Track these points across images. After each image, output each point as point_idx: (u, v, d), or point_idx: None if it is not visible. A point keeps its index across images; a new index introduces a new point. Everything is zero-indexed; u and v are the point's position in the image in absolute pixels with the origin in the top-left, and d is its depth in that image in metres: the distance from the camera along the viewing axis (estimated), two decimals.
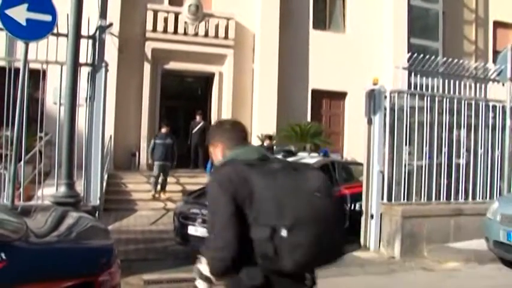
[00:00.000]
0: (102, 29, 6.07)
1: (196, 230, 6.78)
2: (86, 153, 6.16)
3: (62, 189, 5.55)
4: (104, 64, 6.06)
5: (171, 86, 15.56)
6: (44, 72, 6.15)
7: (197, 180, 11.35)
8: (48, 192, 6.01)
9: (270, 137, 12.29)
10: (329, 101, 16.02)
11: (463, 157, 8.25)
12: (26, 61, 5.28)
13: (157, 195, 11.33)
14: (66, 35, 5.44)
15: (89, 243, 3.03)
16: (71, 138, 5.48)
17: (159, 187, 11.33)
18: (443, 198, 7.95)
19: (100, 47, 6.06)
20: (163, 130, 11.72)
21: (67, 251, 2.83)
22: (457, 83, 8.24)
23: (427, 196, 7.84)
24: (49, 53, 5.93)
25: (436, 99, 7.97)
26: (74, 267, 2.68)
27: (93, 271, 2.69)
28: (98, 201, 6.11)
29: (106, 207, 10.20)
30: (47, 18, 5.25)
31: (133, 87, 13.52)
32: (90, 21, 6.03)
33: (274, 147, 12.25)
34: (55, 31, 5.56)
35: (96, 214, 6.09)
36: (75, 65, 5.37)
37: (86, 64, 6.09)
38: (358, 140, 9.16)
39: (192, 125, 14.28)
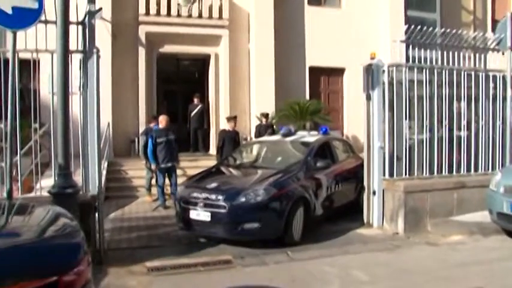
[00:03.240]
0: (91, 14, 5.91)
1: (198, 215, 6.68)
2: (82, 142, 6.07)
3: (59, 179, 5.50)
4: (95, 50, 5.92)
5: (167, 69, 15.42)
6: (35, 61, 6.03)
7: (198, 163, 11.28)
8: (48, 183, 5.95)
9: (266, 116, 12.20)
10: (327, 78, 15.87)
11: (464, 129, 8.15)
12: (15, 51, 5.16)
13: (151, 198, 10.05)
14: (55, 22, 5.32)
15: (51, 242, 2.78)
16: (66, 127, 5.41)
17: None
18: (445, 172, 7.88)
19: (90, 32, 5.91)
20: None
21: (25, 250, 2.58)
22: (456, 54, 8.09)
23: (429, 170, 7.77)
24: (40, 41, 5.81)
25: (435, 71, 7.84)
26: (33, 268, 2.46)
27: (56, 271, 2.50)
28: (97, 190, 6.04)
29: (107, 195, 10.20)
30: (34, 5, 5.12)
31: (129, 72, 13.37)
32: (79, 6, 5.87)
33: (274, 126, 12.18)
34: (43, 18, 5.43)
35: (96, 203, 6.05)
36: (66, 53, 5.27)
37: (77, 51, 5.95)
38: (358, 116, 9.05)
39: (190, 108, 14.20)
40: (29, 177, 6.82)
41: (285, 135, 8.69)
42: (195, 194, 6.85)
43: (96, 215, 6.08)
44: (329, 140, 8.82)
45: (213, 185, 7.00)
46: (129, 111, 13.30)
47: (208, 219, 6.56)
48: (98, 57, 5.99)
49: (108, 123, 11.87)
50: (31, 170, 6.61)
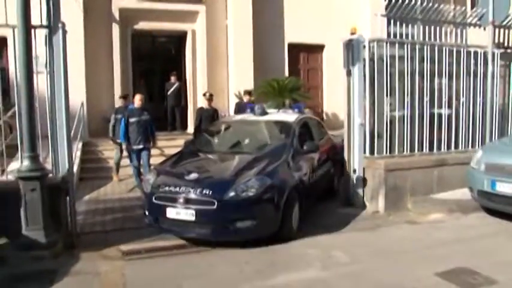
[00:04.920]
0: None
1: (178, 213, 5.61)
2: (50, 122, 5.77)
3: (26, 162, 5.23)
4: (60, 25, 5.57)
5: (142, 47, 15.03)
6: (3, 38, 5.67)
7: (176, 142, 10.98)
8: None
9: (249, 93, 11.86)
10: (306, 54, 15.65)
11: (445, 106, 8.05)
12: None
13: (117, 178, 9.83)
14: None
15: None
16: (31, 107, 5.13)
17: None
18: (426, 150, 7.81)
19: (55, 6, 5.54)
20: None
21: None
22: (437, 29, 7.96)
23: (410, 148, 7.68)
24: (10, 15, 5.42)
25: (417, 47, 7.68)
26: None
27: None
28: (67, 172, 5.77)
29: (82, 176, 9.93)
30: None
31: (102, 50, 12.89)
32: None
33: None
34: None
35: (67, 186, 5.79)
36: (27, 27, 4.95)
37: (41, 26, 5.57)
38: (338, 93, 8.87)
39: (167, 87, 13.90)
40: None
41: (261, 114, 7.77)
42: (171, 188, 5.77)
43: (68, 198, 5.84)
44: (307, 119, 8.09)
45: (193, 175, 5.89)
46: (104, 90, 12.87)
47: (193, 218, 5.53)
48: (64, 32, 5.63)
49: (82, 103, 11.49)
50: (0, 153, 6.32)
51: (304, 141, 7.01)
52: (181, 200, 5.59)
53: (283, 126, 7.42)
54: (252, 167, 6.04)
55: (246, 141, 7.34)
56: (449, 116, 8.07)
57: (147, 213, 6.08)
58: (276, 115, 8.11)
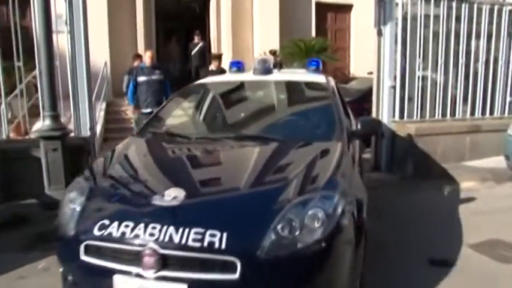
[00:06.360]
0: None
1: None
2: (71, 81, 5.68)
3: (47, 122, 5.17)
4: None
5: (166, 6, 14.70)
6: None
7: None
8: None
9: (274, 53, 11.52)
10: (334, 14, 15.18)
11: (481, 69, 7.63)
12: None
13: None
14: None
15: None
16: (50, 66, 5.01)
17: None
18: (459, 115, 7.47)
19: None
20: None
21: None
22: None
23: (442, 113, 7.35)
24: None
25: (454, 5, 7.22)
26: None
27: None
28: (89, 132, 5.71)
29: (106, 136, 9.91)
30: None
31: (126, 9, 12.69)
32: None
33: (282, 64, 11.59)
34: None
35: (90, 145, 5.75)
36: None
37: None
38: (366, 54, 8.52)
39: (190, 47, 13.67)
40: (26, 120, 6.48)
41: (265, 71, 4.75)
42: (122, 227, 2.61)
43: (90, 158, 5.80)
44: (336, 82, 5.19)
45: (171, 194, 2.79)
46: (127, 50, 12.69)
47: None
48: None
49: (105, 62, 11.39)
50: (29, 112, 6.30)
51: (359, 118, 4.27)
52: (147, 260, 2.49)
53: (314, 91, 4.75)
54: (293, 168, 3.09)
55: (258, 115, 4.50)
56: (486, 80, 7.65)
57: None
58: (288, 75, 5.40)
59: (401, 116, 7.12)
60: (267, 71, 4.75)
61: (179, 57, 14.98)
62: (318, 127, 3.99)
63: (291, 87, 4.86)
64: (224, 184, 3.25)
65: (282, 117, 4.40)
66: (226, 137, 3.86)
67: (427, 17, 7.08)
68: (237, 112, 4.71)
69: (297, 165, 3.12)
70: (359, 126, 3.95)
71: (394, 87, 7.04)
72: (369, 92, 8.77)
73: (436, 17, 7.16)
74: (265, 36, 13.34)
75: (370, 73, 9.21)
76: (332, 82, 4.77)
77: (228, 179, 3.23)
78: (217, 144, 3.81)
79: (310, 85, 4.83)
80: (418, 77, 7.13)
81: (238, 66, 5.20)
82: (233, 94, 4.93)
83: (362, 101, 8.67)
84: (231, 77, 5.19)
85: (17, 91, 6.24)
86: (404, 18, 7.00)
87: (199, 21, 14.72)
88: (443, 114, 7.36)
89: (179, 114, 4.76)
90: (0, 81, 5.41)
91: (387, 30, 6.97)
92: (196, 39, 13.54)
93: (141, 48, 12.78)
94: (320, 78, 4.86)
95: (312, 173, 3.04)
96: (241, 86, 4.96)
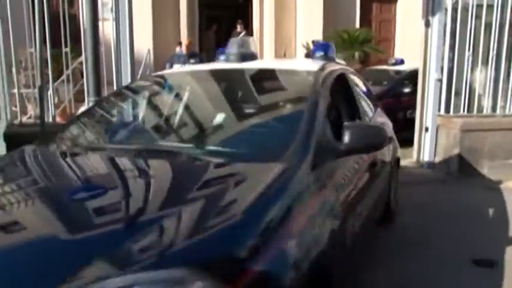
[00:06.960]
0: None
1: None
2: (116, 68, 5.78)
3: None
4: None
5: None
6: None
7: None
8: None
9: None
10: (379, 5, 14.83)
11: None
12: None
13: None
14: None
15: None
16: (95, 52, 5.10)
17: None
18: (509, 110, 7.15)
19: None
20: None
21: None
22: None
23: (491, 108, 7.06)
24: None
25: None
26: None
27: None
28: None
29: None
30: None
31: None
32: None
33: None
34: None
35: None
36: None
37: None
38: (411, 46, 8.27)
39: (232, 35, 13.62)
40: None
41: (242, 57, 3.59)
42: None
43: None
44: (345, 73, 3.86)
45: None
46: (170, 37, 12.88)
47: None
48: None
49: (149, 50, 11.57)
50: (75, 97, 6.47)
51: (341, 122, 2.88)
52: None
53: (291, 85, 3.41)
54: (180, 212, 1.86)
55: (192, 122, 3.30)
56: None
57: None
58: (273, 62, 4.71)
59: (447, 110, 6.89)
60: (244, 57, 3.57)
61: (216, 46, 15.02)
62: (267, 138, 2.71)
63: (259, 78, 3.51)
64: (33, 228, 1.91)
65: (223, 122, 3.02)
66: (124, 149, 2.70)
67: (479, 6, 6.78)
68: (173, 113, 3.32)
69: (187, 207, 1.89)
70: (346, 138, 2.58)
71: (440, 80, 6.81)
72: (408, 77, 8.55)
73: (490, 6, 6.85)
74: (309, 26, 13.18)
75: (393, 64, 8.97)
76: (325, 76, 3.17)
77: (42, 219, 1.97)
78: (97, 159, 2.62)
79: (290, 76, 3.52)
80: (467, 70, 6.86)
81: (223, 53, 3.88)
82: (184, 89, 3.56)
83: (400, 94, 8.47)
84: (203, 67, 4.33)
85: (63, 77, 6.40)
86: (454, 9, 6.73)
87: (242, 10, 14.71)
88: (493, 110, 7.07)
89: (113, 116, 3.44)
90: (49, 67, 5.53)
91: (435, 21, 6.73)
92: (238, 27, 13.55)
93: (184, 37, 12.92)
94: (309, 67, 3.61)
95: (177, 225, 1.77)
96: (203, 77, 3.70)
